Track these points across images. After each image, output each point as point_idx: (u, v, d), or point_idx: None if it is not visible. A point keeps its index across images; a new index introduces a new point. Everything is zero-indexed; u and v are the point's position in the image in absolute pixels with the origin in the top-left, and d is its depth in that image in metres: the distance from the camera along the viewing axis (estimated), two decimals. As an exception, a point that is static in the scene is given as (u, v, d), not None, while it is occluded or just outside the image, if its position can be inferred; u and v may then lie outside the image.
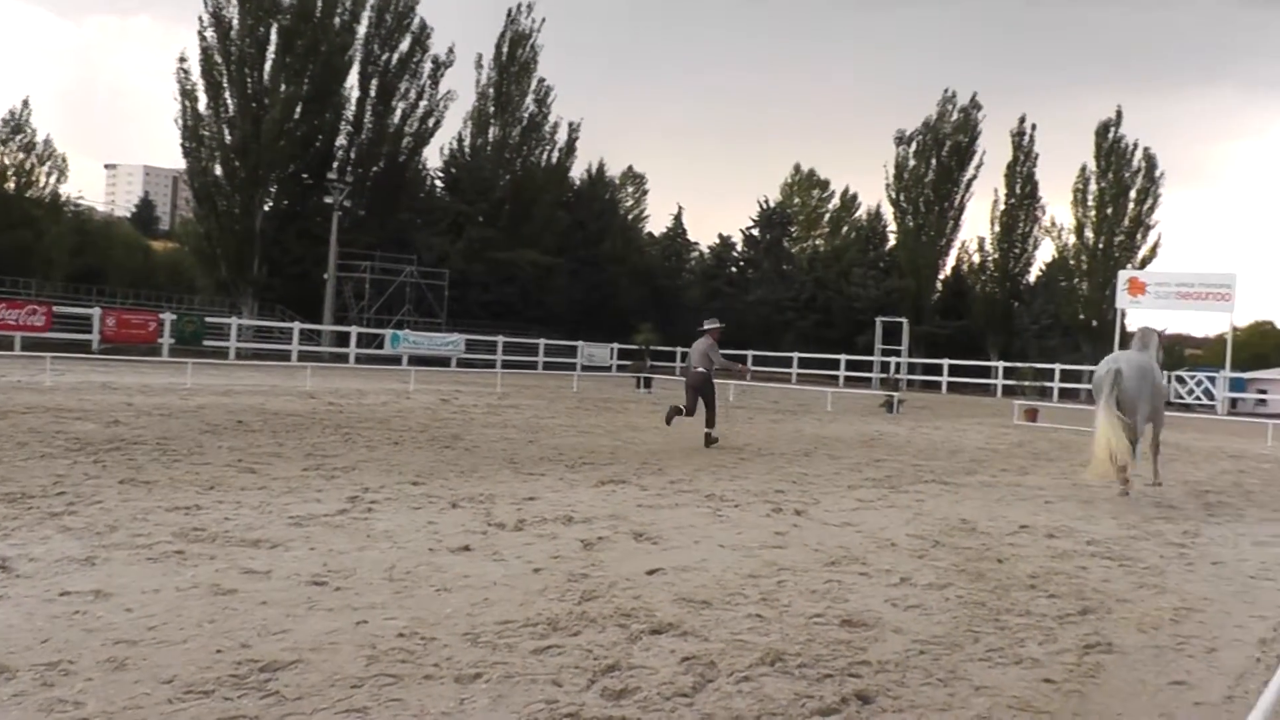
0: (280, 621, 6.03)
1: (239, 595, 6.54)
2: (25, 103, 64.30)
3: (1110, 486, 14.18)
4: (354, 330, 50.98)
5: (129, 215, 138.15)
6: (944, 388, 58.57)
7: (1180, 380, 50.64)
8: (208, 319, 47.07)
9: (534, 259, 64.65)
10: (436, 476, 12.50)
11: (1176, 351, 79.90)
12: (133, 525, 8.48)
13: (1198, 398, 50.00)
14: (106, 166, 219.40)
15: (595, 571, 7.77)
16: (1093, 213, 69.45)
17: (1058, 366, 55.10)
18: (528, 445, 16.89)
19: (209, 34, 54.59)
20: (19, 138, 65.11)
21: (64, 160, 66.83)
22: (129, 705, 4.63)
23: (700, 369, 19.85)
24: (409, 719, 4.70)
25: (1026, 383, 51.94)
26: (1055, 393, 53.05)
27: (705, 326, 20.73)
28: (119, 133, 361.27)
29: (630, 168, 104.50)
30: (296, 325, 49.19)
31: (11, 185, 64.52)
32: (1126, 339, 62.49)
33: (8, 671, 4.97)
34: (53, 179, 66.62)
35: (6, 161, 64.81)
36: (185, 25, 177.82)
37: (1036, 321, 69.26)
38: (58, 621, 5.82)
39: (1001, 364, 58.82)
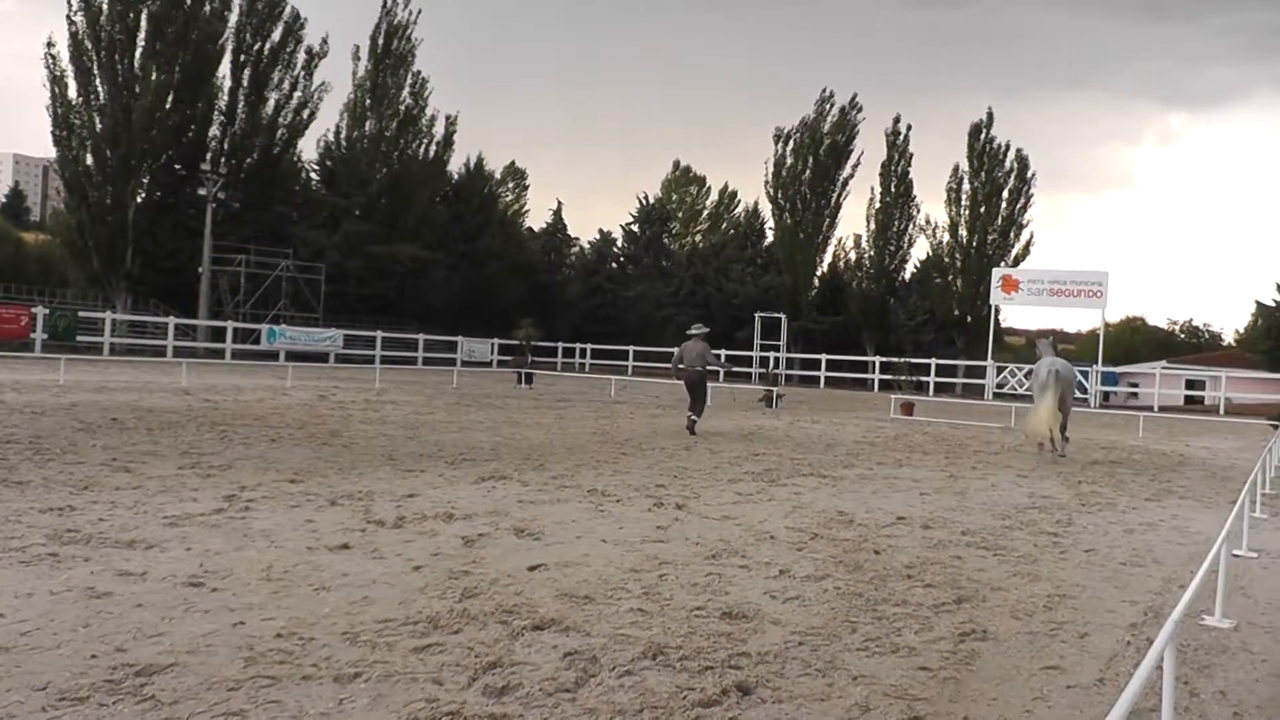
0: (156, 624, 5.95)
1: (114, 598, 6.43)
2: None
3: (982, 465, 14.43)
4: (230, 325, 50.12)
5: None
6: (822, 382, 59.17)
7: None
8: (81, 313, 46.03)
9: (412, 253, 64.15)
10: (315, 474, 12.38)
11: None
12: (4, 527, 8.30)
13: (1072, 391, 51.07)
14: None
15: (476, 568, 7.77)
16: (966, 211, 70.57)
17: (933, 361, 55.85)
18: (407, 442, 16.78)
19: (78, 18, 53.32)
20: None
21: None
22: (1, 715, 4.54)
23: (698, 368, 22.19)
24: (287, 720, 4.68)
25: (902, 377, 52.53)
26: (931, 387, 53.81)
27: (694, 331, 22.74)
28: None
29: (512, 163, 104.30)
30: (171, 320, 48.26)
31: None
32: (1000, 334, 64.02)
33: (-127, 681, 4.86)
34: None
35: None
36: (52, 9, 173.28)
37: (912, 317, 70.31)
38: (-75, 627, 5.70)
39: (878, 359, 59.51)
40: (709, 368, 22.85)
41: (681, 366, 22.48)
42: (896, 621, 6.84)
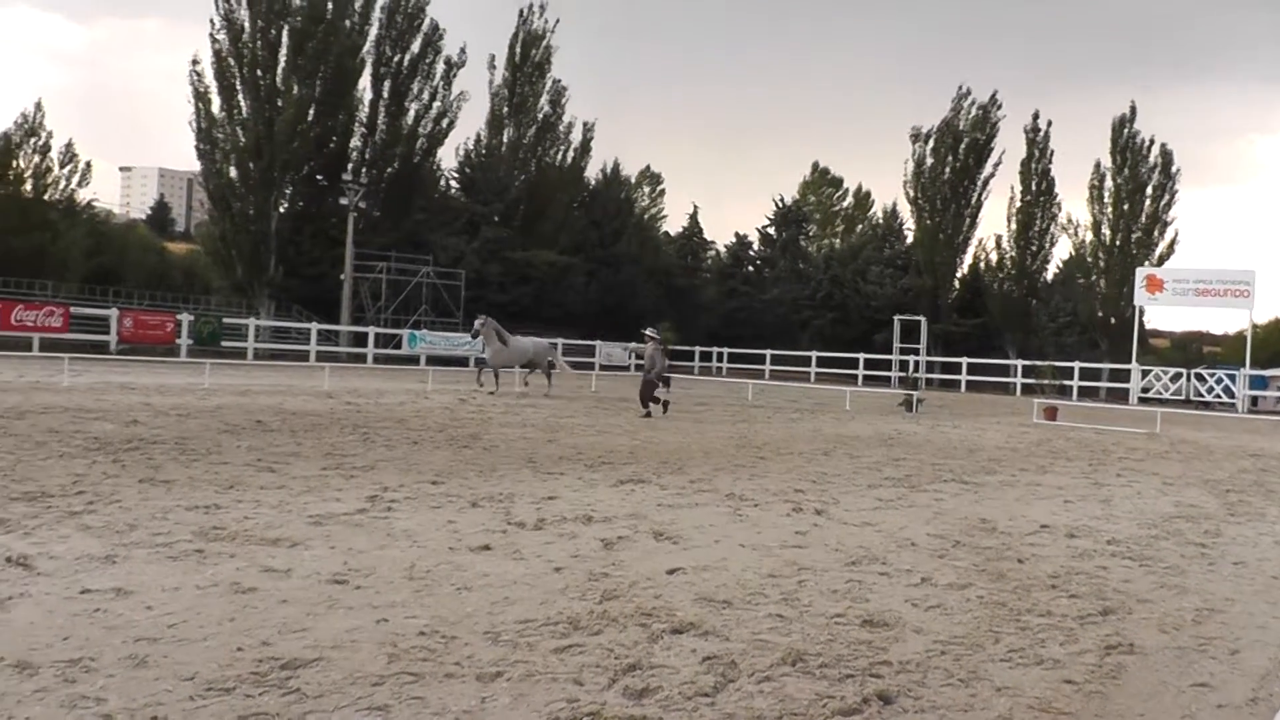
0: (301, 620, 6.03)
1: (259, 593, 6.54)
2: (38, 105, 64.28)
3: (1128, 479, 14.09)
4: (371, 330, 51.06)
5: (144, 217, 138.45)
6: (962, 386, 58.36)
7: (1200, 378, 50.29)
8: (225, 320, 47.16)
9: (549, 259, 64.56)
10: (456, 475, 12.49)
11: (1193, 349, 79.55)
12: (152, 524, 8.49)
13: (1217, 395, 49.57)
14: (121, 169, 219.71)
15: (616, 571, 7.76)
16: (1109, 209, 68.81)
17: (1077, 364, 54.78)
18: (547, 444, 16.87)
19: (221, 36, 54.57)
20: (33, 140, 65.26)
21: (87, 166, 67.02)
22: (150, 702, 4.63)
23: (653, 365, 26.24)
24: (430, 717, 4.70)
25: (1045, 381, 51.65)
26: (1074, 391, 52.79)
27: (653, 334, 27.17)
28: (133, 135, 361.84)
29: (647, 167, 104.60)
30: (314, 326, 49.27)
31: (28, 188, 64.69)
32: (1145, 336, 62.49)
33: (30, 668, 4.99)
34: (72, 182, 66.80)
35: (22, 164, 64.99)
36: (197, 27, 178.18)
37: (1054, 319, 68.82)
38: (78, 619, 5.84)
39: (1020, 362, 58.51)
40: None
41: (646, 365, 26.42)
42: (1040, 632, 6.68)
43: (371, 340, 50.37)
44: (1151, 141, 68.56)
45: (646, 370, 26.39)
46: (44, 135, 64.61)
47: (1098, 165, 69.39)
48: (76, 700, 4.61)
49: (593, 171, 75.76)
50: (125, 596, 6.32)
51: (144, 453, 12.94)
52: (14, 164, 63.13)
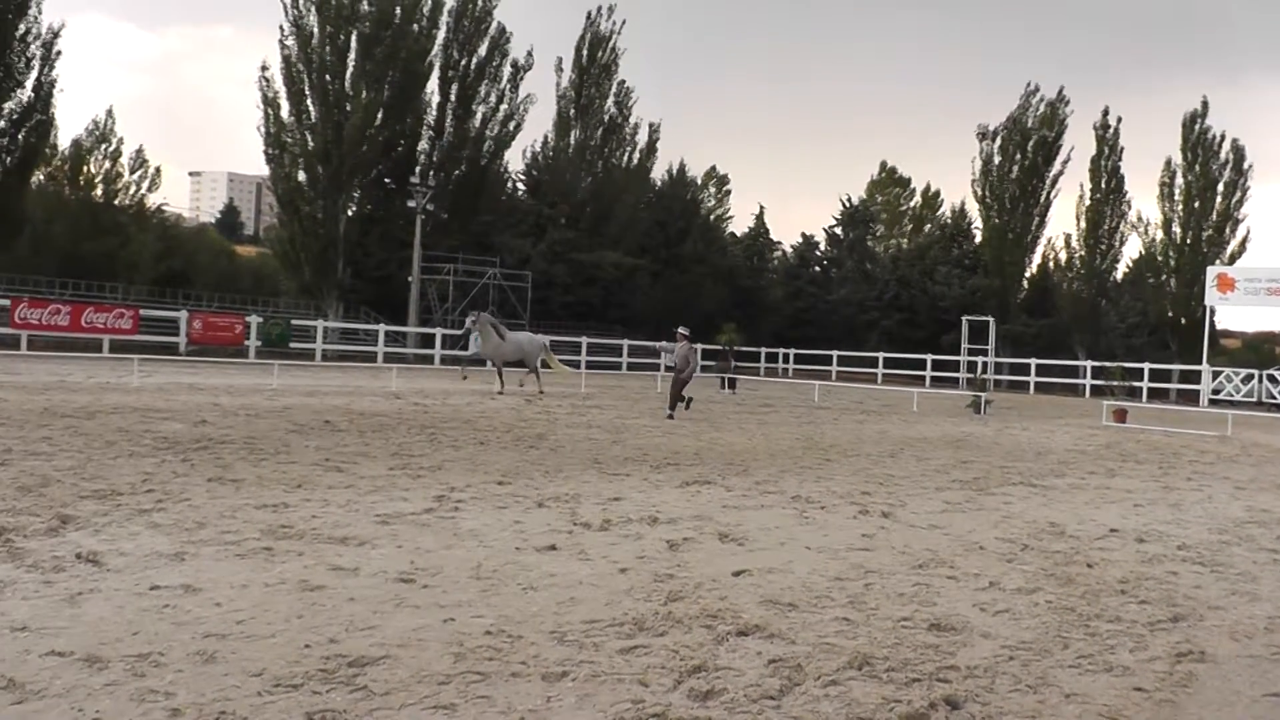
0: (368, 618, 6.06)
1: (327, 591, 6.59)
2: (109, 112, 65.29)
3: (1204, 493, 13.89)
4: (438, 332, 51.33)
5: (214, 221, 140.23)
6: (1031, 388, 57.80)
7: (1272, 379, 49.44)
8: (294, 321, 47.62)
9: (616, 260, 64.67)
10: (522, 476, 12.53)
11: (1266, 350, 78.24)
12: (221, 522, 8.58)
13: (1291, 398, 48.80)
14: (191, 174, 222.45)
15: (681, 572, 7.75)
16: (1180, 207, 67.69)
17: (1146, 366, 54.12)
18: (612, 445, 16.89)
19: (290, 42, 55.12)
20: (104, 146, 66.18)
21: (157, 171, 67.89)
22: (218, 697, 4.68)
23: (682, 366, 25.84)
24: (496, 716, 4.70)
25: (1115, 382, 50.97)
26: (1144, 392, 52.16)
27: (685, 332, 26.86)
28: (203, 140, 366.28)
29: (713, 168, 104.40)
30: (382, 327, 49.66)
31: (99, 193, 65.59)
32: (1216, 337, 61.57)
33: (100, 662, 5.06)
34: (142, 187, 67.66)
35: (93, 170, 65.92)
36: (266, 34, 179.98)
37: (1124, 319, 67.96)
38: (148, 614, 5.91)
39: (1089, 363, 57.81)
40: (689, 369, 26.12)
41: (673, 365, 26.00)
42: (1110, 639, 6.58)
43: (439, 341, 50.63)
44: (1222, 137, 67.40)
45: (679, 370, 26.07)
46: (114, 141, 65.62)
47: (1168, 162, 68.34)
48: (145, 694, 4.67)
49: (658, 172, 75.91)
50: (194, 593, 6.39)
51: (213, 452, 13.08)
52: (85, 170, 64.14)
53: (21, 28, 47.57)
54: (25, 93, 48.37)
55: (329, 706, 4.64)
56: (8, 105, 47.74)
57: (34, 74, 48.48)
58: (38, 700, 4.57)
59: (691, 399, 26.31)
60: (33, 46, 48.17)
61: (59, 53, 49.26)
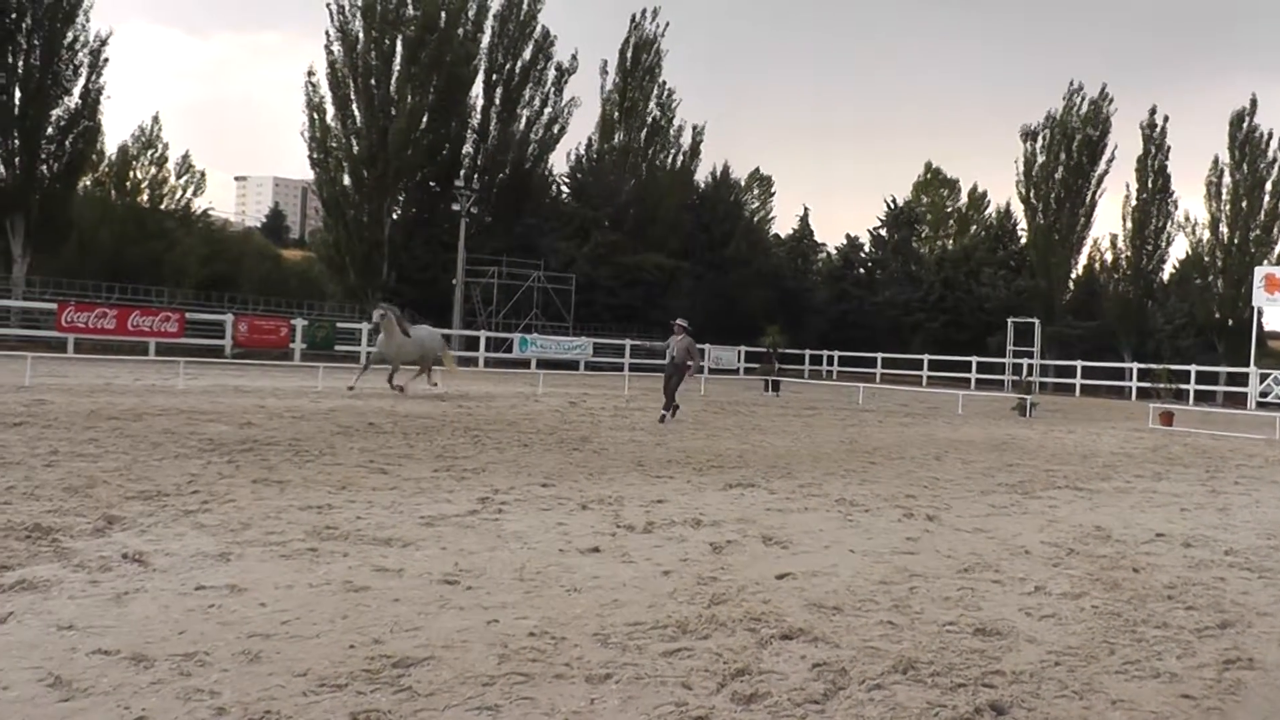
0: (412, 619, 6.09)
1: (371, 592, 6.62)
2: (155, 118, 66.07)
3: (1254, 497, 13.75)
4: (483, 334, 51.50)
5: (259, 225, 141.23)
6: (1077, 390, 57.44)
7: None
8: (339, 324, 47.85)
9: (659, 262, 64.72)
10: (566, 478, 12.55)
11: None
12: (266, 523, 8.63)
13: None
14: (237, 178, 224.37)
15: (724, 575, 7.73)
16: (1227, 207, 67.03)
17: (1193, 368, 53.64)
18: (656, 448, 16.89)
19: (335, 48, 55.54)
20: (150, 153, 66.88)
21: (202, 176, 68.58)
22: (264, 696, 4.71)
23: (677, 362, 23.69)
24: (540, 717, 4.71)
25: (1161, 385, 50.47)
26: (1190, 395, 51.69)
27: (682, 323, 24.17)
28: (249, 145, 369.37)
29: (757, 169, 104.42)
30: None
31: (145, 198, 66.28)
32: (1264, 338, 60.90)
33: (146, 660, 5.10)
34: (188, 192, 68.38)
35: (139, 176, 66.63)
36: (312, 39, 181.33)
37: (1170, 321, 67.41)
38: (193, 614, 5.95)
39: (1135, 365, 57.33)
40: (688, 363, 24.01)
41: (664, 360, 23.99)
42: (1157, 645, 6.51)
43: (483, 344, 50.80)
44: (1270, 135, 66.74)
45: (675, 366, 23.66)
46: (160, 147, 66.34)
47: (1216, 161, 67.74)
48: (191, 693, 4.70)
49: (702, 174, 75.98)
50: (239, 593, 6.43)
51: (258, 454, 13.16)
52: (131, 175, 64.82)
53: (70, 36, 48.05)
54: (73, 100, 48.87)
55: (373, 707, 4.66)
56: (55, 112, 48.22)
57: (81, 81, 48.94)
58: (84, 698, 4.61)
59: (678, 407, 23.63)
60: (81, 54, 48.63)
61: (106, 60, 49.68)
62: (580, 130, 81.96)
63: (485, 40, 60.73)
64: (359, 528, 8.63)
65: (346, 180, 56.44)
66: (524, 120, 63.00)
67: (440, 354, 28.93)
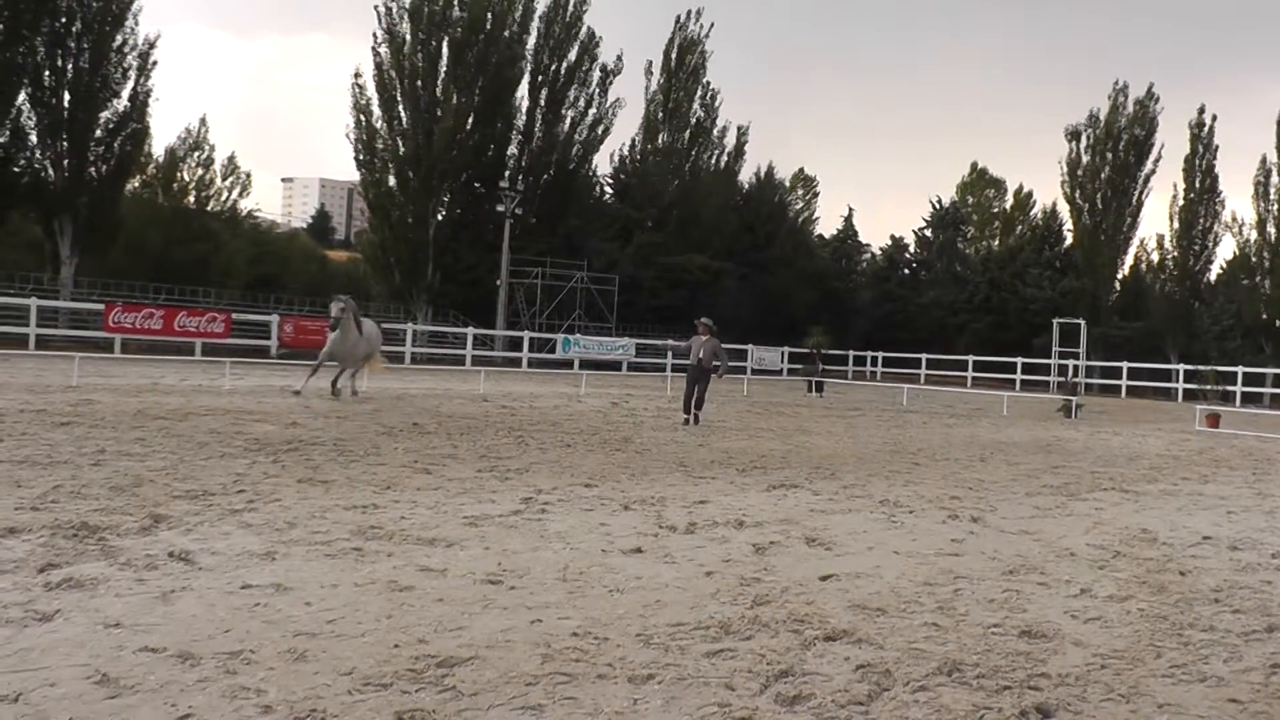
0: (456, 618, 6.10)
1: (416, 592, 6.64)
2: (203, 120, 66.83)
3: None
4: (526, 335, 51.64)
5: (305, 226, 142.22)
6: (1123, 391, 57.06)
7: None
8: (384, 324, 48.01)
9: (702, 263, 64.70)
10: (608, 479, 12.55)
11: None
12: (311, 523, 8.67)
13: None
14: (283, 180, 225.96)
15: (767, 576, 7.71)
16: (1275, 207, 66.26)
17: (1240, 369, 53.13)
18: (698, 449, 16.86)
19: (382, 50, 56.04)
20: (196, 154, 67.46)
21: (248, 177, 69.11)
22: (309, 695, 4.73)
23: (703, 364, 22.53)
24: (583, 717, 4.72)
25: (1208, 386, 49.97)
26: (1238, 397, 51.20)
27: (707, 321, 23.56)
28: (295, 147, 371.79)
29: (801, 170, 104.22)
30: (470, 330, 50.08)
31: (191, 200, 66.85)
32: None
33: (192, 659, 5.13)
34: (234, 193, 68.92)
35: (186, 177, 67.23)
36: (359, 41, 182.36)
37: (1217, 322, 66.75)
38: (239, 613, 5.98)
39: (1182, 367, 56.81)
40: (714, 363, 23.07)
41: (690, 361, 22.74)
42: (1203, 648, 6.44)
43: (526, 345, 50.92)
44: (1319, 135, 65.98)
45: (699, 368, 22.42)
46: (207, 149, 66.93)
47: (1263, 160, 67.00)
48: (237, 691, 4.73)
49: (746, 175, 75.95)
50: (284, 592, 6.47)
51: (303, 453, 13.23)
52: (178, 177, 65.40)
53: (118, 39, 48.63)
54: (121, 102, 49.50)
55: (418, 706, 4.67)
56: (104, 115, 48.77)
57: (130, 84, 49.58)
58: (131, 695, 4.65)
59: (698, 415, 22.27)
60: (129, 57, 49.20)
61: (154, 63, 50.28)
62: (624, 131, 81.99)
63: (531, 41, 61.05)
64: (403, 527, 8.66)
65: (392, 181, 56.84)
66: (568, 121, 63.31)
67: (374, 352, 25.16)
